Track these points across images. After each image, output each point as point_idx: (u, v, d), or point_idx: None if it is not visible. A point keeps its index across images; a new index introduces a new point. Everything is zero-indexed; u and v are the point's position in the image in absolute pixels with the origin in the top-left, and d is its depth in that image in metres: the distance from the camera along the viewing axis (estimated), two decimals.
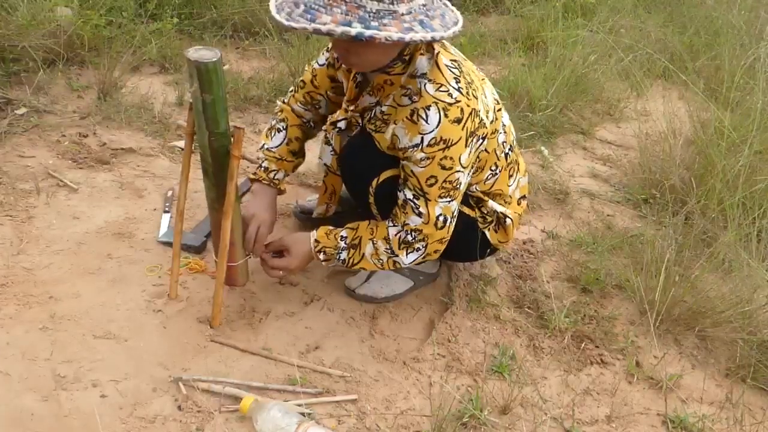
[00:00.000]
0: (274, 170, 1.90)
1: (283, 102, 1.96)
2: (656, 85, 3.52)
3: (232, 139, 1.59)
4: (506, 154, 1.81)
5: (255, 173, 1.91)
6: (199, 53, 1.47)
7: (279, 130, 1.92)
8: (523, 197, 1.95)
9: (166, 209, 2.13)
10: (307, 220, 2.15)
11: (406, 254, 1.69)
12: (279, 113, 1.95)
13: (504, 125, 1.79)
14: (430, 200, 1.62)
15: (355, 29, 1.37)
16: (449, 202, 1.64)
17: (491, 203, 1.82)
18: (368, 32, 1.37)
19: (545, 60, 3.29)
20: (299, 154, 1.95)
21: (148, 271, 1.90)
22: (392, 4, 1.41)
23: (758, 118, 2.61)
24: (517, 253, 2.17)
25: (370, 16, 1.39)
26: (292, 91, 1.96)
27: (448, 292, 1.99)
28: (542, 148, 2.77)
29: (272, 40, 3.21)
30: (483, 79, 1.73)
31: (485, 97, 1.67)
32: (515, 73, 3.12)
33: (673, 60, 3.50)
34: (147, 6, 3.05)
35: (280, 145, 1.91)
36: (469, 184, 1.78)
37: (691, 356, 1.90)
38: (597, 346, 1.87)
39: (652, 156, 2.71)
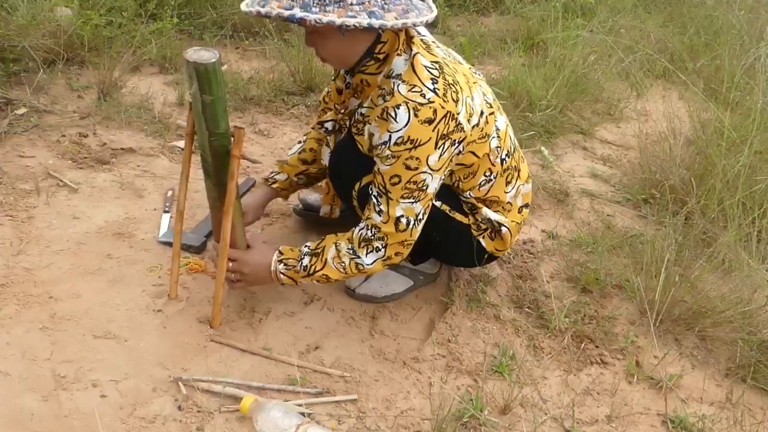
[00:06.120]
0: (274, 172, 2.03)
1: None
2: (656, 85, 3.52)
3: (232, 139, 1.60)
4: (502, 160, 1.76)
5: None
6: (198, 54, 1.47)
7: (298, 143, 2.05)
8: (526, 205, 1.90)
9: (166, 209, 2.13)
10: (308, 216, 2.16)
11: (366, 254, 1.66)
12: (307, 132, 2.06)
13: (498, 129, 1.74)
14: (391, 200, 1.60)
15: (289, 11, 1.41)
16: (413, 203, 1.61)
17: (485, 210, 1.78)
18: (299, 14, 1.41)
19: (545, 60, 3.29)
20: (311, 163, 2.01)
21: (148, 271, 1.90)
22: None
23: (758, 118, 2.61)
24: (517, 253, 2.17)
25: (313, 3, 1.43)
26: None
27: (448, 292, 1.99)
28: (542, 148, 2.78)
29: (272, 40, 3.22)
30: (475, 83, 1.69)
31: (471, 101, 1.63)
32: (515, 73, 3.12)
33: (673, 60, 3.50)
34: (147, 6, 3.06)
35: (293, 153, 2.04)
36: (463, 190, 1.76)
37: (691, 356, 1.90)
38: (597, 346, 1.87)
39: (652, 156, 2.71)
